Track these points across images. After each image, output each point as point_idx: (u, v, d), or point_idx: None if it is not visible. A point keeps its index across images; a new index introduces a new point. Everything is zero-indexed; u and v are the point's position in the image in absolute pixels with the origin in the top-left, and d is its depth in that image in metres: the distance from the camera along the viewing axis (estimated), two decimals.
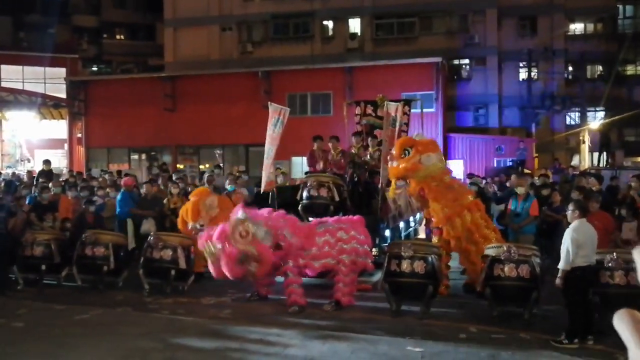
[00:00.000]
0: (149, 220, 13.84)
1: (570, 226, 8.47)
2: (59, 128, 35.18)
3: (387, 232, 13.43)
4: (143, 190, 14.53)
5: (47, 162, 20.52)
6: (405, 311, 10.11)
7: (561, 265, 8.31)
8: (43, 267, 12.13)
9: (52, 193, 14.15)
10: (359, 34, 37.37)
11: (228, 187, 14.82)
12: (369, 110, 16.10)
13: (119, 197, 14.07)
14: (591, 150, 32.60)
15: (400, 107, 14.08)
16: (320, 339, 8.58)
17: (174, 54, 39.35)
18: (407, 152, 10.54)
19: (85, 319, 9.89)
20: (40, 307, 10.72)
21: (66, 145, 34.71)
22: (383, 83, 25.65)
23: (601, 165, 29.09)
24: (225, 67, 35.69)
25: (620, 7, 38.84)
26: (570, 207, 8.73)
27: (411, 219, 15.36)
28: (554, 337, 8.40)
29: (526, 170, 23.82)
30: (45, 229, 13.10)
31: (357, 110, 16.38)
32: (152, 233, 12.47)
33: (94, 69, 46.39)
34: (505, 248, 9.67)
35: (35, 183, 17.72)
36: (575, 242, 8.23)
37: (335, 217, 11.21)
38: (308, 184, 12.94)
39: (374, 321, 9.62)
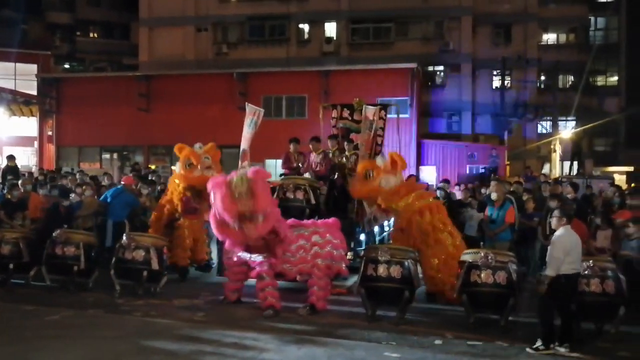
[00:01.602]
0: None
1: (557, 233, 8.45)
2: (29, 125, 34.65)
3: (363, 236, 13.38)
4: None
5: (11, 157, 19.42)
6: (381, 316, 10.04)
7: (548, 271, 8.26)
8: (11, 266, 11.85)
9: (21, 191, 13.83)
10: (335, 38, 37.31)
11: None
12: (345, 113, 16.00)
13: (120, 198, 13.74)
14: (562, 159, 32.92)
15: (377, 111, 14.07)
16: (297, 343, 8.49)
17: (149, 54, 38.92)
18: (369, 174, 11.49)
19: (56, 320, 9.68)
20: (9, 308, 10.44)
21: (36, 143, 34.22)
22: (358, 87, 25.64)
23: (572, 174, 29.34)
24: (200, 68, 35.49)
25: (592, 18, 39.41)
26: (557, 214, 8.71)
27: (386, 223, 15.31)
28: (530, 344, 8.38)
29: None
30: (15, 227, 12.84)
31: (334, 114, 16.27)
32: (124, 233, 12.25)
33: (66, 66, 45.73)
34: (482, 254, 9.61)
35: (2, 180, 17.34)
36: (563, 249, 8.21)
37: (311, 221, 11.11)
38: (284, 186, 12.85)
39: (350, 326, 9.54)
